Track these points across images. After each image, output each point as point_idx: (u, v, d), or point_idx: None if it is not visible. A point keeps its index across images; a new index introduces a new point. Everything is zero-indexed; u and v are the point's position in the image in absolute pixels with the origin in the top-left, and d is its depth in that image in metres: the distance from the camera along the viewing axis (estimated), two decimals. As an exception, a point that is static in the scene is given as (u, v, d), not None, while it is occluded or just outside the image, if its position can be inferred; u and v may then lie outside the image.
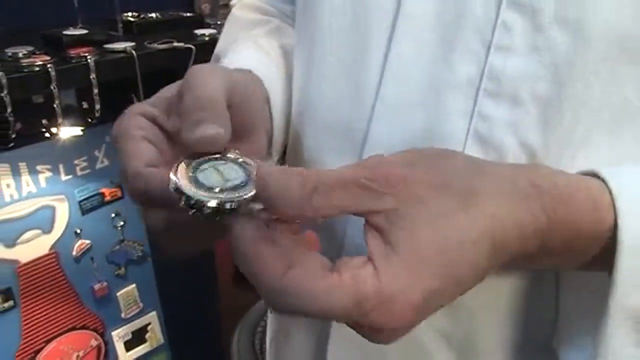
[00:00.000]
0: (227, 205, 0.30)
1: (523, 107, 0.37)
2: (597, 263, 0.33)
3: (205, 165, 0.33)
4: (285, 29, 0.56)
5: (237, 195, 0.31)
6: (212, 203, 0.30)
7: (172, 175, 0.31)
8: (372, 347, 0.40)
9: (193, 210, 0.30)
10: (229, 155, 0.34)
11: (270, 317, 0.62)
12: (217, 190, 0.31)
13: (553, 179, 0.33)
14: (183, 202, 0.30)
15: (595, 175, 0.34)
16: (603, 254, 0.33)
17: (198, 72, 0.37)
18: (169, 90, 0.39)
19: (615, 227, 0.32)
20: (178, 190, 0.31)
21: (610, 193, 0.32)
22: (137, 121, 0.37)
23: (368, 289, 0.28)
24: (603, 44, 0.35)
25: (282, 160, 0.52)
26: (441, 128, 0.39)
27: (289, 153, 0.51)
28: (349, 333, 0.34)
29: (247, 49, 0.51)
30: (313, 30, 0.45)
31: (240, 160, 0.34)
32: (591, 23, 0.34)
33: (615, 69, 0.35)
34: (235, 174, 0.33)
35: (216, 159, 0.34)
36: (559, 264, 0.35)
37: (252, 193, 0.31)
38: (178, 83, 0.38)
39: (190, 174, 0.32)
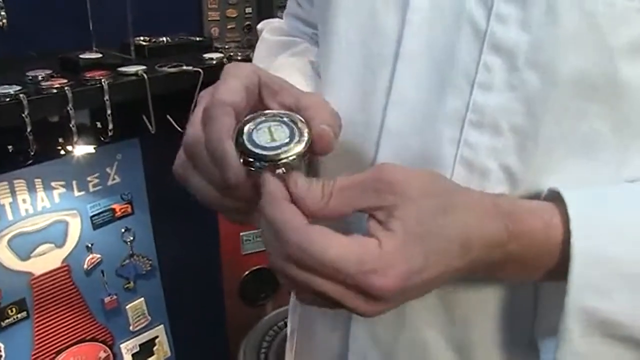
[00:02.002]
0: (257, 164, 0.38)
1: (503, 136, 0.42)
2: (553, 277, 0.39)
3: (262, 126, 0.39)
4: (311, 50, 0.63)
5: (272, 154, 0.38)
6: (253, 159, 0.38)
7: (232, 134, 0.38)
8: (387, 346, 0.49)
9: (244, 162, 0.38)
10: (287, 115, 0.40)
11: (291, 318, 0.68)
12: (263, 148, 0.38)
13: (513, 203, 0.40)
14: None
15: (558, 194, 0.39)
16: (558, 267, 0.39)
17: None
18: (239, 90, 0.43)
19: (566, 245, 0.38)
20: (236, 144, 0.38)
21: (566, 212, 0.38)
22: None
23: (372, 252, 0.35)
24: (570, 84, 0.40)
25: None
26: (434, 153, 0.44)
27: None
28: (368, 330, 0.45)
29: (294, 75, 0.57)
30: (327, 63, 0.51)
31: (292, 120, 0.40)
32: (559, 66, 0.40)
33: (582, 105, 0.40)
34: (281, 135, 0.39)
35: (275, 119, 0.40)
36: (523, 273, 0.41)
37: (284, 155, 0.38)
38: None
39: (249, 133, 0.39)
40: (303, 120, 0.40)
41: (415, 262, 0.36)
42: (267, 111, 0.41)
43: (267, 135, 0.39)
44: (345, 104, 0.48)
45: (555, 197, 0.40)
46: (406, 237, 0.36)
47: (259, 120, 0.40)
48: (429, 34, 0.43)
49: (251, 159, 0.38)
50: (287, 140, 0.38)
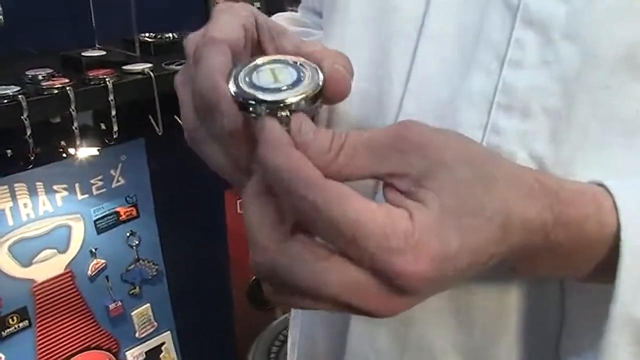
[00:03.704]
0: (257, 109, 0.31)
1: (533, 119, 0.38)
2: (599, 273, 0.33)
3: (263, 67, 0.33)
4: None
5: (275, 96, 0.31)
6: (253, 101, 0.31)
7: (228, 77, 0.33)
8: (386, 351, 0.42)
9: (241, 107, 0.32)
10: (291, 58, 0.34)
11: (291, 330, 0.62)
12: (263, 90, 0.32)
13: (559, 182, 0.33)
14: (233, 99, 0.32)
15: (601, 185, 0.34)
16: (606, 261, 0.33)
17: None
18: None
19: (616, 239, 0.32)
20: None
21: (615, 203, 0.32)
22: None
23: (400, 226, 0.28)
24: (612, 59, 0.36)
25: None
26: None
27: None
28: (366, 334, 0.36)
29: None
30: (338, 45, 0.46)
31: (299, 63, 0.34)
32: (600, 38, 0.35)
33: (625, 84, 0.36)
34: (286, 77, 0.33)
35: (278, 61, 0.34)
36: (563, 267, 0.35)
37: (290, 98, 0.31)
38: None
39: (247, 75, 0.33)
40: (312, 63, 0.34)
41: (452, 242, 0.28)
42: (271, 55, 0.35)
43: (270, 76, 0.32)
44: (358, 88, 0.43)
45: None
46: (443, 212, 0.28)
47: (259, 62, 0.34)
48: (457, 11, 0.40)
49: (250, 102, 0.31)
50: (293, 80, 0.32)
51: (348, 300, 0.29)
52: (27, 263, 1.13)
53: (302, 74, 0.33)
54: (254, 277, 1.61)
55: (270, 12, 0.67)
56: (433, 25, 0.41)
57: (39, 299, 1.15)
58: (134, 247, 1.30)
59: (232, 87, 0.32)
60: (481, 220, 0.29)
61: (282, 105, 0.31)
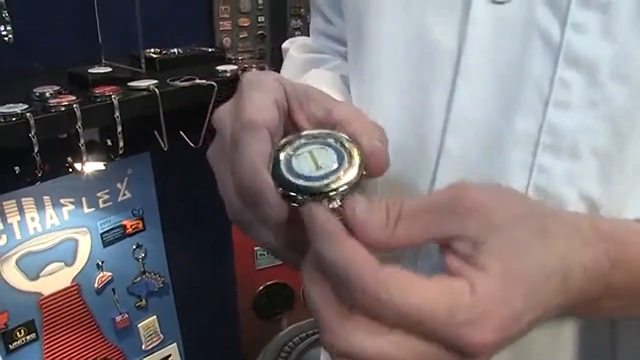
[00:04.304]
0: (303, 199, 0.31)
1: (582, 160, 0.37)
2: None
3: (301, 151, 0.33)
4: (343, 67, 0.57)
5: (319, 184, 0.31)
6: (298, 193, 0.31)
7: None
8: None
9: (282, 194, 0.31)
10: (327, 134, 0.33)
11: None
12: (306, 178, 0.31)
13: (612, 224, 0.33)
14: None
15: None
16: None
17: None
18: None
19: None
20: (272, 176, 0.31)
21: None
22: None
23: (464, 300, 0.28)
24: None
25: None
26: (502, 180, 0.39)
27: None
28: None
29: (331, 89, 0.51)
30: (370, 82, 0.45)
31: (337, 140, 0.33)
32: None
33: None
34: (326, 161, 0.32)
35: (315, 141, 0.33)
36: (623, 308, 0.35)
37: (336, 187, 0.31)
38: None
39: (287, 161, 0.32)
40: (349, 138, 0.33)
41: (516, 306, 0.29)
42: (305, 132, 0.34)
43: (310, 161, 0.32)
44: (394, 127, 0.43)
45: None
46: (504, 277, 0.29)
47: (297, 143, 0.33)
48: (494, 48, 0.39)
49: (294, 194, 0.31)
50: (335, 166, 0.31)
51: None
52: (34, 276, 1.13)
53: (341, 155, 0.32)
54: (260, 288, 1.61)
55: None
56: (469, 61, 0.40)
57: (46, 312, 1.15)
58: (140, 260, 1.31)
59: (273, 177, 0.31)
60: (542, 278, 0.29)
61: (329, 194, 0.31)
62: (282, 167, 0.32)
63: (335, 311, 0.29)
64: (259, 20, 1.49)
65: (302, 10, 1.52)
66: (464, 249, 0.30)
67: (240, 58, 1.36)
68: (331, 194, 0.30)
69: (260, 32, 1.49)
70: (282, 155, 0.32)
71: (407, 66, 0.43)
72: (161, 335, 1.37)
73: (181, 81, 1.09)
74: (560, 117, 0.38)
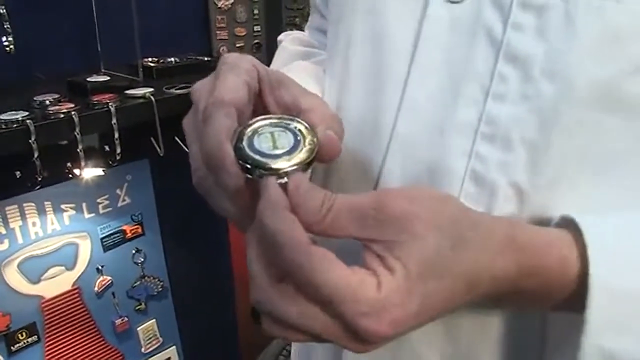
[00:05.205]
0: (257, 172, 0.34)
1: (513, 150, 0.40)
2: (570, 306, 0.36)
3: (264, 131, 0.37)
4: None
5: (273, 162, 0.35)
6: (254, 166, 0.35)
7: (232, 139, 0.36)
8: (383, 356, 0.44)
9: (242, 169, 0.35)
10: (289, 119, 0.37)
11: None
12: (264, 155, 0.35)
13: (529, 235, 0.36)
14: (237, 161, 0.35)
15: (574, 222, 0.37)
16: (574, 299, 0.36)
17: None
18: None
19: (582, 277, 0.35)
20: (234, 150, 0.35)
21: (584, 243, 0.35)
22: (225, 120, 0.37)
23: (369, 294, 0.32)
24: (587, 97, 0.38)
25: None
26: (444, 165, 0.42)
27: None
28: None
29: (310, 79, 0.55)
30: (340, 68, 0.49)
31: (297, 128, 0.37)
32: (576, 77, 0.38)
33: (599, 119, 0.38)
34: (284, 142, 0.36)
35: (278, 124, 0.37)
36: (532, 304, 0.38)
37: (286, 166, 0.35)
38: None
39: (249, 138, 0.36)
40: (308, 126, 0.37)
41: (411, 308, 0.33)
42: (270, 115, 0.38)
43: (270, 141, 0.36)
44: (355, 110, 0.47)
45: (569, 224, 0.37)
46: (407, 280, 0.32)
47: (262, 124, 0.37)
48: (445, 44, 0.42)
49: (250, 166, 0.35)
50: (290, 147, 0.36)
51: (330, 340, 0.33)
52: (36, 280, 1.15)
53: (298, 140, 0.36)
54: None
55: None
56: (422, 56, 0.43)
57: (47, 314, 1.17)
58: (140, 264, 1.32)
59: (235, 150, 0.35)
60: (447, 280, 0.33)
61: (280, 171, 0.34)
62: (245, 142, 0.36)
63: (268, 274, 0.33)
64: (255, 29, 1.51)
65: (297, 19, 1.55)
66: (379, 251, 0.33)
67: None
68: (280, 171, 0.34)
69: (256, 41, 1.52)
70: (246, 132, 0.36)
71: (370, 58, 0.46)
72: (160, 338, 1.38)
73: (177, 89, 1.12)
74: (497, 108, 0.40)
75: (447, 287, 0.33)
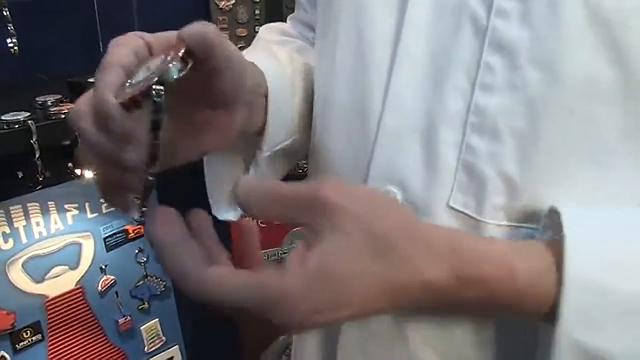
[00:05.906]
0: (139, 95, 0.34)
1: (502, 140, 0.40)
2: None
3: (144, 66, 0.37)
4: (308, 50, 0.61)
5: (143, 78, 0.35)
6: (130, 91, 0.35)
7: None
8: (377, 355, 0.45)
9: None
10: (169, 54, 0.37)
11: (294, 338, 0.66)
12: (137, 81, 0.36)
13: (476, 246, 0.36)
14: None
15: (556, 212, 0.37)
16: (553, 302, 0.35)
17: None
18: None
19: (559, 267, 0.35)
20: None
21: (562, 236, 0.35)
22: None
23: (272, 289, 0.33)
24: (575, 85, 0.37)
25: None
26: (435, 157, 0.42)
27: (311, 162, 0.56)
28: (355, 339, 0.43)
29: (258, 52, 0.55)
30: (328, 61, 0.49)
31: (171, 53, 0.36)
32: (563, 65, 0.37)
33: (589, 108, 0.38)
34: (156, 62, 0.36)
35: (157, 59, 0.37)
36: (484, 313, 0.39)
37: (153, 76, 0.35)
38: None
39: (131, 77, 0.37)
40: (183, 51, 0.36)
41: (320, 301, 0.33)
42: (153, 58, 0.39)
43: (145, 71, 0.36)
44: (342, 101, 0.47)
45: (553, 215, 0.37)
46: (316, 273, 0.33)
47: (139, 67, 0.38)
48: (429, 32, 0.42)
49: (133, 95, 0.34)
50: (161, 62, 0.36)
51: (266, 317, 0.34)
52: (39, 279, 1.16)
53: (168, 58, 0.36)
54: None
55: (270, 22, 0.70)
56: (407, 43, 0.42)
57: (51, 313, 1.18)
58: (143, 264, 1.33)
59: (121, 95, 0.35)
60: (360, 285, 0.33)
61: (153, 83, 0.34)
62: (127, 83, 0.36)
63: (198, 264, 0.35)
64: (256, 30, 1.49)
65: (298, 20, 1.55)
66: (309, 235, 0.34)
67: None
68: (154, 80, 0.34)
69: (257, 41, 1.53)
70: (129, 79, 0.37)
71: (354, 47, 0.46)
72: (163, 337, 1.38)
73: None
74: (485, 98, 0.40)
75: (360, 292, 0.34)
